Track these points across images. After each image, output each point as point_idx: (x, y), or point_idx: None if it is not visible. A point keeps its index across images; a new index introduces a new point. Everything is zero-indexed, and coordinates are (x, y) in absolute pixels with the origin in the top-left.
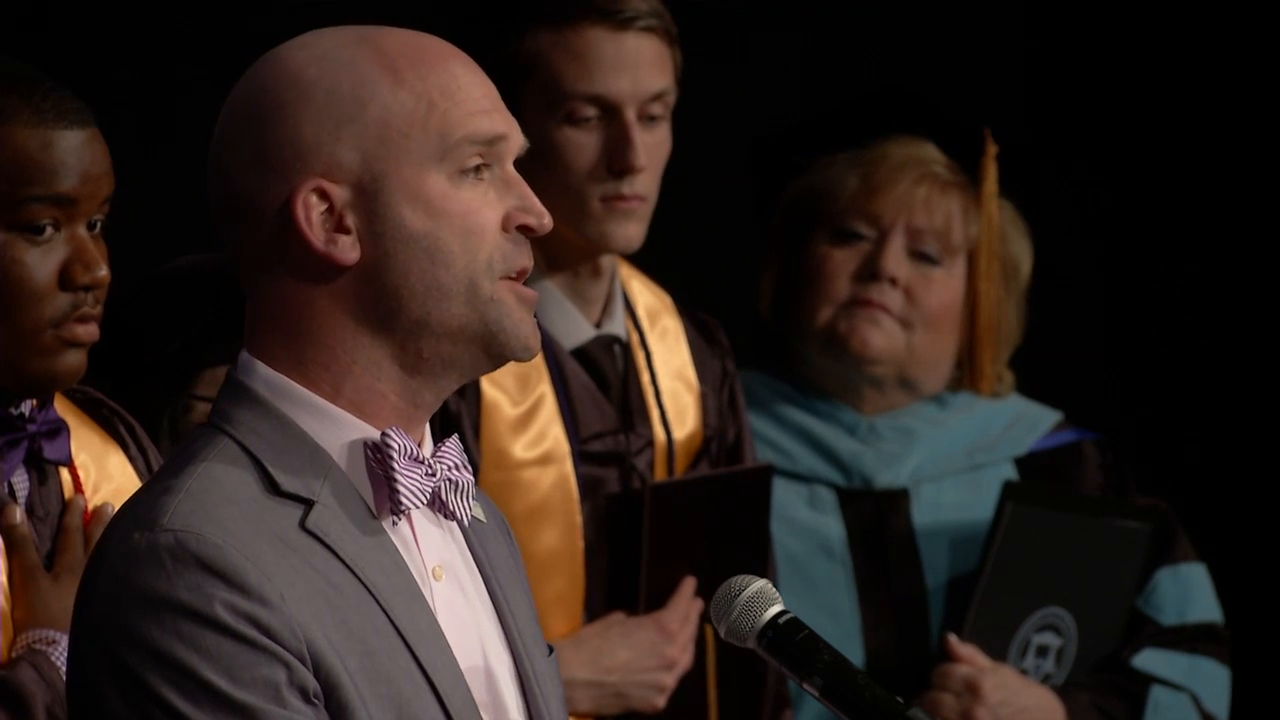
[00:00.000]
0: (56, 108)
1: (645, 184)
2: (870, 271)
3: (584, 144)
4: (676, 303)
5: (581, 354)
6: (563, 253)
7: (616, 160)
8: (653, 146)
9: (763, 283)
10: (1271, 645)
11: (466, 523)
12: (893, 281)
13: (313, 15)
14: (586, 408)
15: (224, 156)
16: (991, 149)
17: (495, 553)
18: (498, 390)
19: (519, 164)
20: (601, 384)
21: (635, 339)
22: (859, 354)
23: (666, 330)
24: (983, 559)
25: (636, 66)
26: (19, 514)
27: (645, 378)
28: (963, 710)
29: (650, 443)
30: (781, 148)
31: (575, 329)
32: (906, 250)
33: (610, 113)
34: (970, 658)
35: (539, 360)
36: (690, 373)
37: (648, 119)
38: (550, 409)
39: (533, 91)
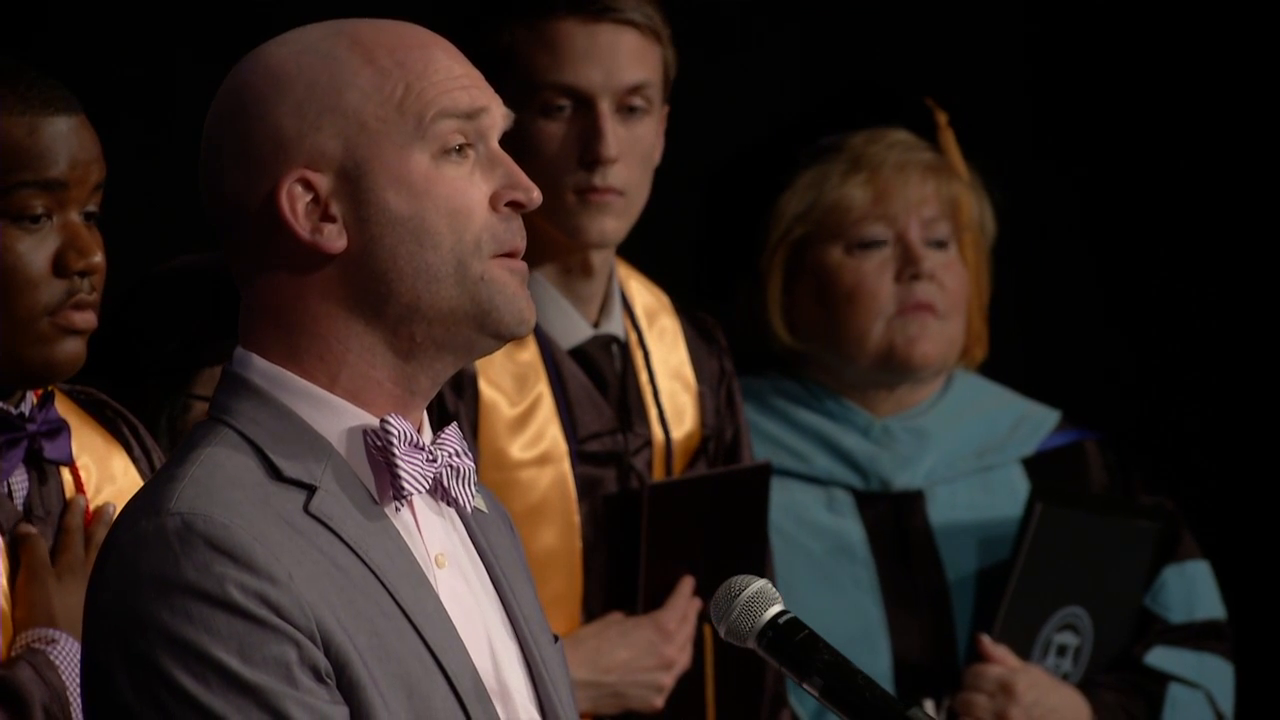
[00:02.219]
0: (42, 95)
1: (620, 176)
2: (911, 274)
3: (557, 135)
4: (674, 302)
5: (579, 354)
6: (548, 248)
7: (587, 151)
8: (630, 140)
9: (769, 299)
10: (1273, 642)
11: (469, 509)
12: (930, 277)
13: (312, 14)
14: (584, 408)
15: (211, 155)
16: (943, 118)
17: (498, 542)
18: (495, 390)
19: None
20: (599, 384)
21: (633, 338)
22: (921, 365)
23: (664, 330)
24: (1013, 559)
25: (610, 58)
26: (31, 529)
27: (643, 377)
28: (997, 711)
29: (648, 442)
30: (759, 165)
31: (573, 329)
32: (923, 241)
33: (584, 104)
34: (1002, 658)
35: (536, 360)
36: (688, 372)
37: (626, 110)
38: (548, 409)
39: (509, 84)
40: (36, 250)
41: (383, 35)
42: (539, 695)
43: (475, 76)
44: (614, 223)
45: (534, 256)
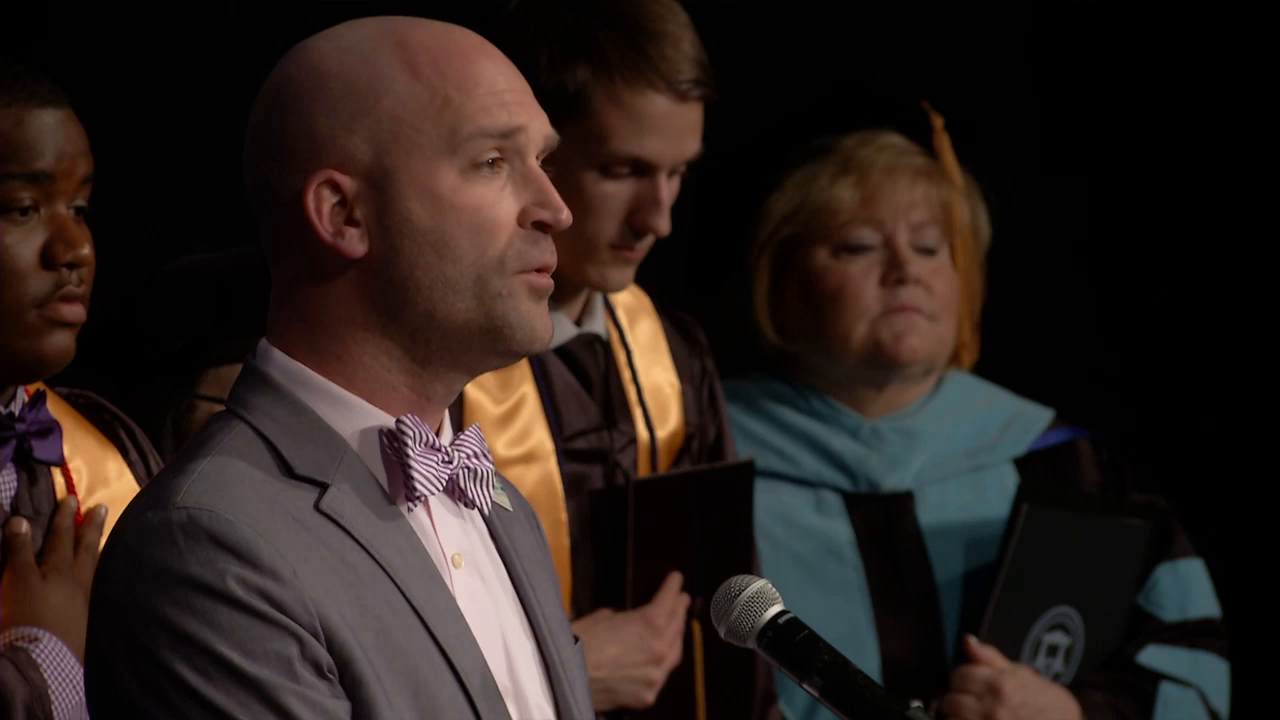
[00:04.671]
0: (28, 88)
1: (653, 238)
2: (896, 278)
3: (613, 195)
4: (662, 300)
5: (564, 353)
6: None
7: (641, 219)
8: (671, 199)
9: (756, 299)
10: (1267, 639)
11: (487, 510)
12: (916, 282)
13: (316, 16)
14: (570, 406)
15: (251, 145)
16: (938, 122)
17: (520, 541)
18: (479, 390)
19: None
20: (584, 382)
21: (615, 337)
22: (909, 360)
23: (645, 329)
24: (999, 559)
25: (683, 135)
26: (24, 524)
27: (626, 375)
28: (984, 712)
29: (633, 440)
30: (750, 164)
31: (557, 328)
32: (911, 246)
33: (643, 170)
34: (989, 659)
35: (521, 360)
36: (670, 371)
37: (673, 173)
38: (533, 407)
39: (575, 132)
40: (24, 242)
41: (430, 40)
42: (555, 695)
43: (519, 90)
44: (633, 272)
45: None
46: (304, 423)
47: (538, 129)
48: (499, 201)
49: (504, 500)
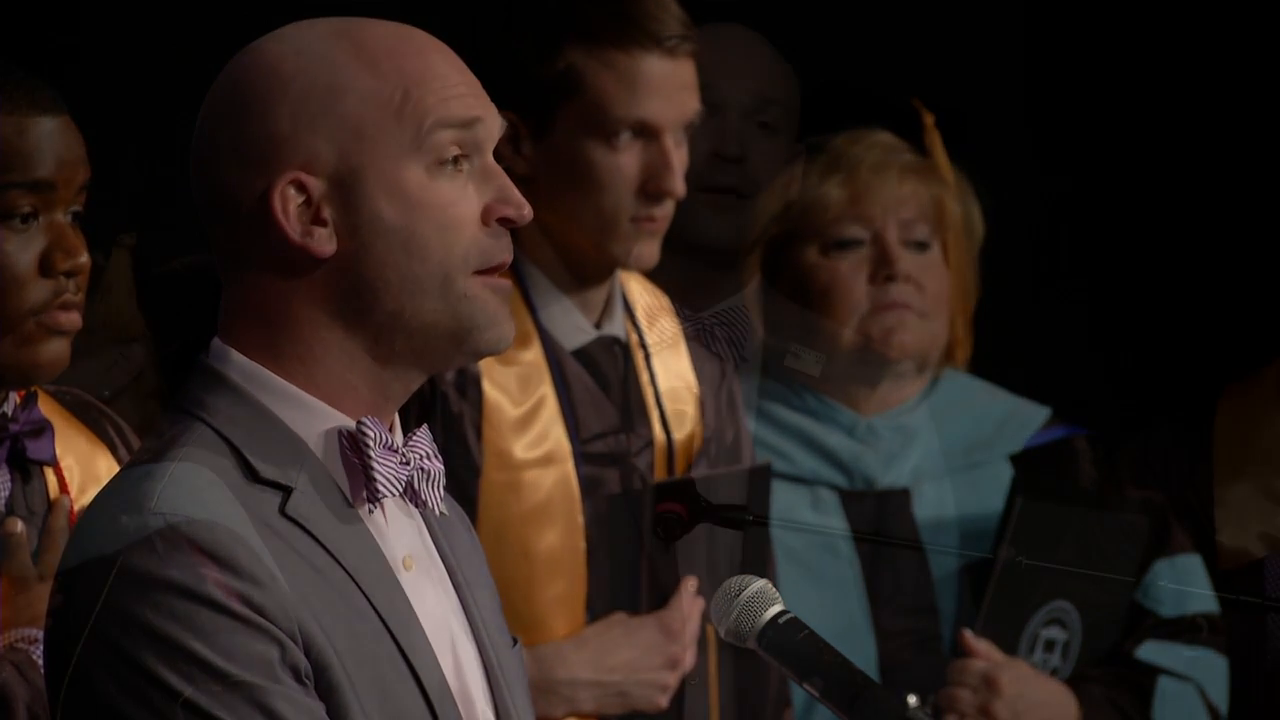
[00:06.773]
0: (29, 96)
1: (671, 204)
2: (885, 274)
3: (622, 165)
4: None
5: (582, 355)
6: (556, 250)
7: (655, 184)
8: (681, 166)
9: (746, 298)
10: (1265, 636)
11: (438, 512)
12: (906, 278)
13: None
14: (587, 408)
15: (203, 150)
16: (929, 119)
17: (459, 545)
18: (499, 391)
19: (546, 180)
20: (603, 385)
21: (634, 340)
22: (898, 357)
23: (665, 331)
24: (994, 554)
25: (680, 91)
26: (19, 525)
27: (644, 378)
28: (980, 705)
29: (650, 443)
30: None
31: (576, 330)
32: (901, 243)
33: (648, 135)
34: (986, 653)
35: (540, 361)
36: (689, 374)
37: (678, 140)
38: (552, 410)
39: (573, 111)
40: (24, 250)
41: (383, 39)
42: (495, 699)
43: (472, 84)
44: (658, 247)
45: (540, 257)
46: (265, 425)
47: (493, 122)
48: (463, 199)
49: (443, 504)
